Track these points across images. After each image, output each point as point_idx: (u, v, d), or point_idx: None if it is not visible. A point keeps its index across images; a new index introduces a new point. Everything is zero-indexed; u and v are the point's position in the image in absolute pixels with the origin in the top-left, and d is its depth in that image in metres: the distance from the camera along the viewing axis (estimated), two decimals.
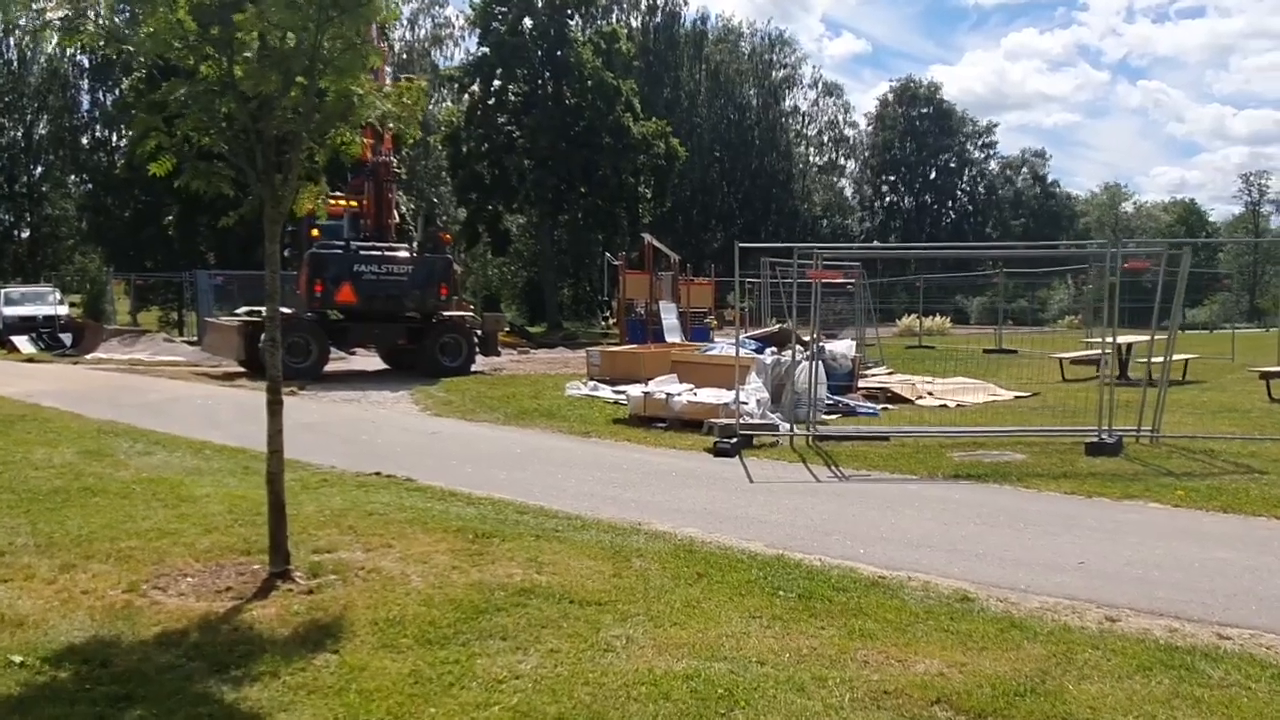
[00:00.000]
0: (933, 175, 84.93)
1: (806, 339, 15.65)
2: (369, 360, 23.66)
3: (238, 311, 21.96)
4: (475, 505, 8.51)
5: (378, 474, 9.89)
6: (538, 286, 51.07)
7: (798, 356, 14.43)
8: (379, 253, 20.31)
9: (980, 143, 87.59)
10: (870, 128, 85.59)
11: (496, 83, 44.40)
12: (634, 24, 61.72)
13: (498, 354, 22.85)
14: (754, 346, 14.84)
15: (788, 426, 12.11)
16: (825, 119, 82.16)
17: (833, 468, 10.35)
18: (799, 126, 78.19)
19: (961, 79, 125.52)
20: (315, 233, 20.10)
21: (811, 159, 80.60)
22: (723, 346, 15.73)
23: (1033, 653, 4.97)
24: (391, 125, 6.64)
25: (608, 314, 41.18)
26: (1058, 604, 5.84)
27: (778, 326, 16.11)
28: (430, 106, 59.36)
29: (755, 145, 69.35)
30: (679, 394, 13.08)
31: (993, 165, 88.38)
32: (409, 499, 8.72)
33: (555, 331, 40.49)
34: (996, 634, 5.25)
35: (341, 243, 20.08)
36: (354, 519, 7.80)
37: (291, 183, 5.87)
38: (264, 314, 18.70)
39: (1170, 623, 5.52)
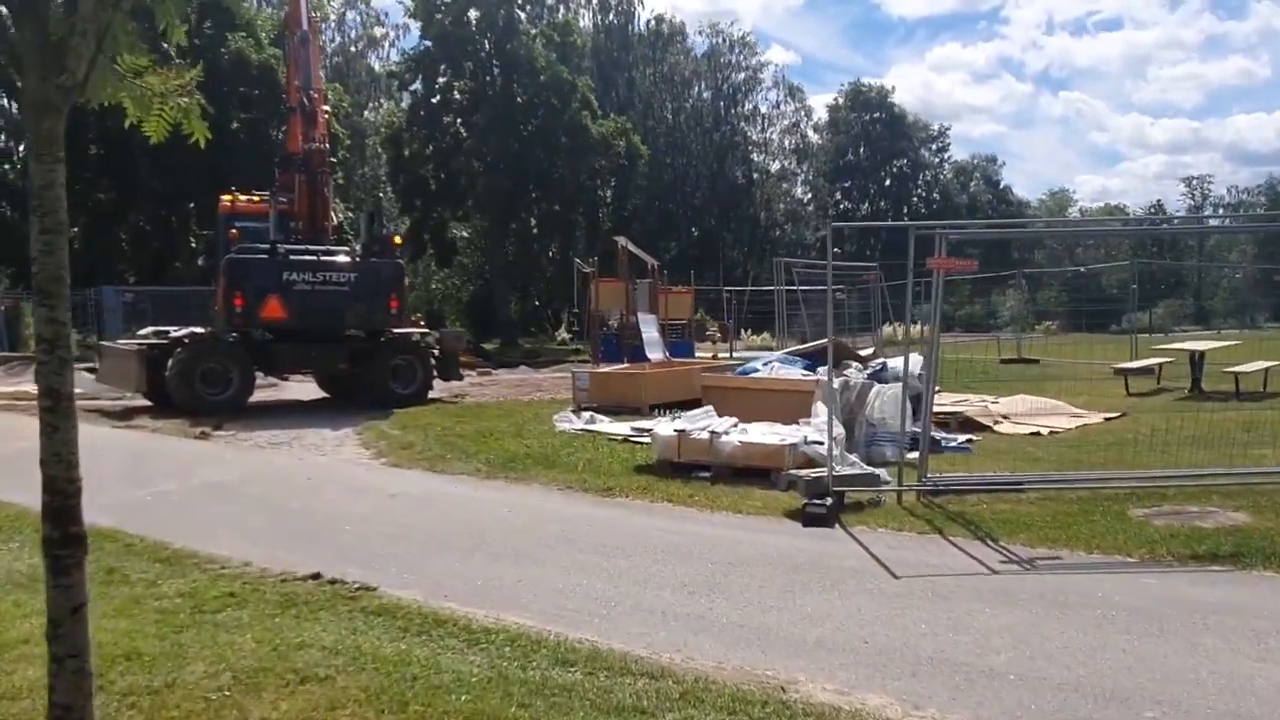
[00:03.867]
0: (887, 182, 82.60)
1: (863, 354, 12.48)
2: (304, 387, 19.91)
3: (141, 333, 18.12)
4: (481, 647, 5.08)
5: (316, 577, 6.41)
6: (484, 300, 47.28)
7: (859, 378, 11.22)
8: (314, 258, 16.64)
9: (934, 147, 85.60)
10: (823, 135, 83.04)
11: (440, 80, 40.81)
12: (585, 24, 58.35)
13: (459, 378, 19.28)
14: (802, 365, 11.60)
15: (884, 474, 8.81)
16: (786, 122, 78.97)
17: (992, 544, 7.07)
18: (758, 132, 75.04)
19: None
20: (235, 233, 16.44)
21: (770, 165, 77.55)
22: (773, 365, 12.42)
23: None
24: None
25: (576, 326, 37.70)
26: None
27: (827, 340, 12.92)
28: (366, 113, 55.47)
29: (713, 151, 66.26)
30: (726, 432, 9.72)
31: (946, 170, 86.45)
32: (368, 635, 5.26)
33: (512, 348, 36.89)
34: None
35: (267, 246, 16.40)
36: (272, 697, 4.35)
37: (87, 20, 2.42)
38: (171, 335, 14.91)
39: None
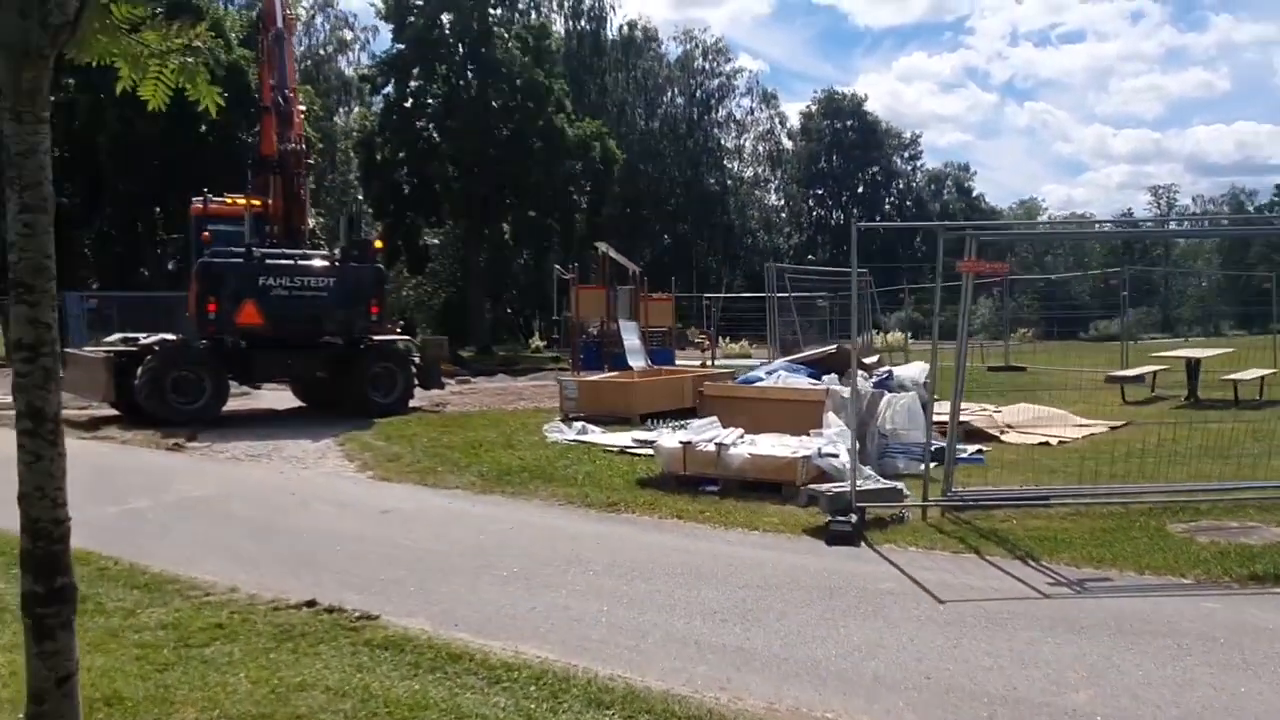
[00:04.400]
0: (860, 189, 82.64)
1: (868, 361, 12.08)
2: (279, 396, 19.22)
3: (109, 340, 17.40)
4: (503, 686, 4.58)
5: (311, 604, 5.88)
6: (458, 307, 46.47)
7: (868, 387, 10.80)
8: (291, 262, 16.00)
9: (906, 155, 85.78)
10: (796, 141, 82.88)
11: (413, 83, 40.05)
12: (557, 29, 57.68)
13: (441, 386, 18.69)
14: (807, 373, 11.16)
15: (904, 488, 8.37)
16: (760, 129, 78.59)
17: (1034, 563, 6.65)
18: (731, 139, 74.57)
19: None
20: (207, 236, 15.78)
21: (744, 172, 77.16)
22: (779, 372, 11.93)
23: None
24: None
25: (556, 334, 37.13)
26: None
27: (834, 347, 12.52)
28: (336, 118, 54.47)
29: (687, 157, 65.81)
30: (734, 443, 9.26)
31: (919, 178, 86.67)
32: (376, 673, 4.74)
33: (487, 357, 36.23)
34: None
35: (242, 250, 15.76)
36: None
37: None
38: (141, 342, 14.21)
39: None
